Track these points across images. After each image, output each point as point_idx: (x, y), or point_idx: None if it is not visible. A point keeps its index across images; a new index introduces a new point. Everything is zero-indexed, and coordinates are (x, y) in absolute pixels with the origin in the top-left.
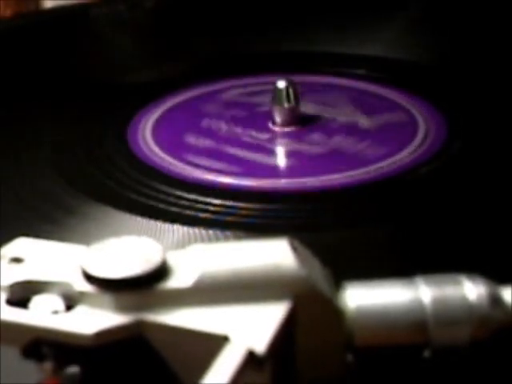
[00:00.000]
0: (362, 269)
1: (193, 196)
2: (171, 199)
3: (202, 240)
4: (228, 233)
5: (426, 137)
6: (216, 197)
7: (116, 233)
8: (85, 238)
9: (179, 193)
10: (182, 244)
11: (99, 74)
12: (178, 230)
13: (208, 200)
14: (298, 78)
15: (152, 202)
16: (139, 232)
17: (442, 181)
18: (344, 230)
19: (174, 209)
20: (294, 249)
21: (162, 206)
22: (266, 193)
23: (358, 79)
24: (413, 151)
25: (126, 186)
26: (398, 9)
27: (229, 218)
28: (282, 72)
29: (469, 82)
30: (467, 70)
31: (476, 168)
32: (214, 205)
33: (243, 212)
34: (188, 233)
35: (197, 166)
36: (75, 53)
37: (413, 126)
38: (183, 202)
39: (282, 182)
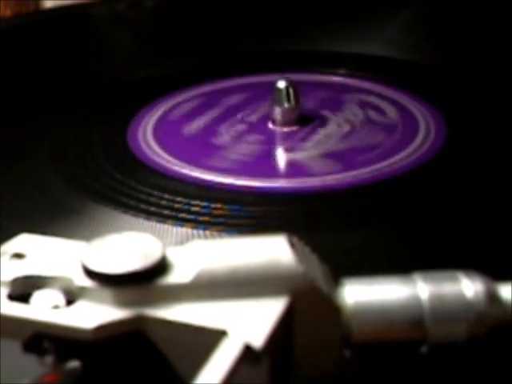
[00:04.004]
0: (362, 268)
1: (193, 196)
2: (171, 199)
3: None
4: (227, 233)
5: (426, 137)
6: (215, 197)
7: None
8: (84, 239)
9: (179, 193)
10: (181, 244)
11: (99, 74)
12: (178, 231)
13: (208, 200)
14: (297, 78)
15: (152, 202)
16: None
17: (442, 180)
18: (344, 229)
19: (173, 209)
20: (292, 245)
21: (161, 205)
22: (265, 193)
23: (358, 79)
24: (413, 151)
25: (125, 186)
26: (398, 9)
27: (228, 219)
28: (281, 72)
29: (469, 82)
30: (467, 70)
31: (476, 168)
32: (214, 205)
33: (243, 212)
34: (187, 233)
35: (197, 165)
36: (75, 52)
37: (413, 125)
38: (183, 202)
39: (282, 182)
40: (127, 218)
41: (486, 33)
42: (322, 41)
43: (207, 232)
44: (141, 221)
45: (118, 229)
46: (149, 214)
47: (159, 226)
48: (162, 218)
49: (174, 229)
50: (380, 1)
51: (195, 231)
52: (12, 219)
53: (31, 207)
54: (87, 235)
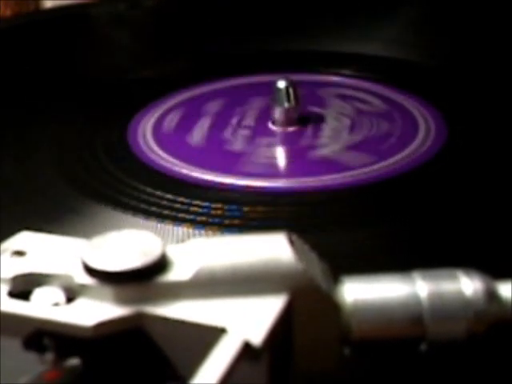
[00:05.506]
0: (362, 268)
1: (193, 196)
2: (171, 199)
3: None
4: (227, 232)
5: (426, 137)
6: (215, 197)
7: None
8: (84, 238)
9: (179, 193)
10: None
11: (99, 74)
12: (177, 231)
13: (208, 200)
14: (297, 78)
15: (152, 202)
16: None
17: (442, 180)
18: (344, 230)
19: (173, 209)
20: (292, 243)
21: (161, 205)
22: (265, 193)
23: (358, 79)
24: (413, 151)
25: (125, 186)
26: (398, 8)
27: (228, 219)
28: (282, 72)
29: (469, 82)
30: (467, 70)
31: (476, 167)
32: (214, 205)
33: (243, 212)
34: (187, 233)
35: (197, 165)
36: (75, 52)
37: (413, 126)
38: (183, 202)
39: (282, 182)
40: (127, 218)
41: (486, 33)
42: (321, 41)
43: (207, 232)
44: (140, 220)
45: (117, 229)
46: (148, 214)
47: (159, 225)
48: (162, 217)
49: (174, 228)
50: (380, 1)
51: (195, 231)
52: (12, 219)
53: (31, 207)
54: (87, 235)
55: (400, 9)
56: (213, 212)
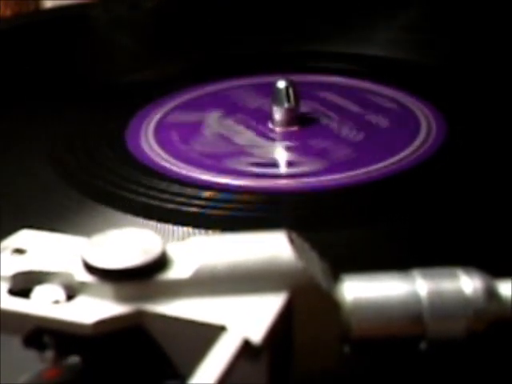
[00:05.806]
0: (362, 266)
1: (192, 196)
2: (171, 199)
3: None
4: (227, 232)
5: (427, 137)
6: (215, 196)
7: None
8: (84, 237)
9: (179, 193)
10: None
11: (99, 74)
12: (177, 230)
13: (207, 199)
14: (297, 78)
15: (152, 203)
16: None
17: (443, 180)
18: (344, 228)
19: (173, 209)
20: (292, 241)
21: (161, 206)
22: (265, 193)
23: (359, 79)
24: (414, 151)
25: (125, 186)
26: (398, 9)
27: (228, 218)
28: (281, 72)
29: (469, 81)
30: (467, 69)
31: (476, 167)
32: (213, 205)
33: (243, 212)
34: (186, 233)
35: (197, 166)
36: (75, 53)
37: (414, 125)
38: (183, 203)
39: (282, 182)
40: (127, 217)
41: (486, 33)
42: (321, 41)
43: (206, 230)
44: (141, 219)
45: (117, 227)
46: (149, 213)
47: (159, 224)
48: (162, 218)
49: (174, 227)
50: (380, 1)
51: (194, 229)
52: (12, 218)
53: (31, 206)
54: (87, 233)
55: (400, 9)
56: (212, 211)
